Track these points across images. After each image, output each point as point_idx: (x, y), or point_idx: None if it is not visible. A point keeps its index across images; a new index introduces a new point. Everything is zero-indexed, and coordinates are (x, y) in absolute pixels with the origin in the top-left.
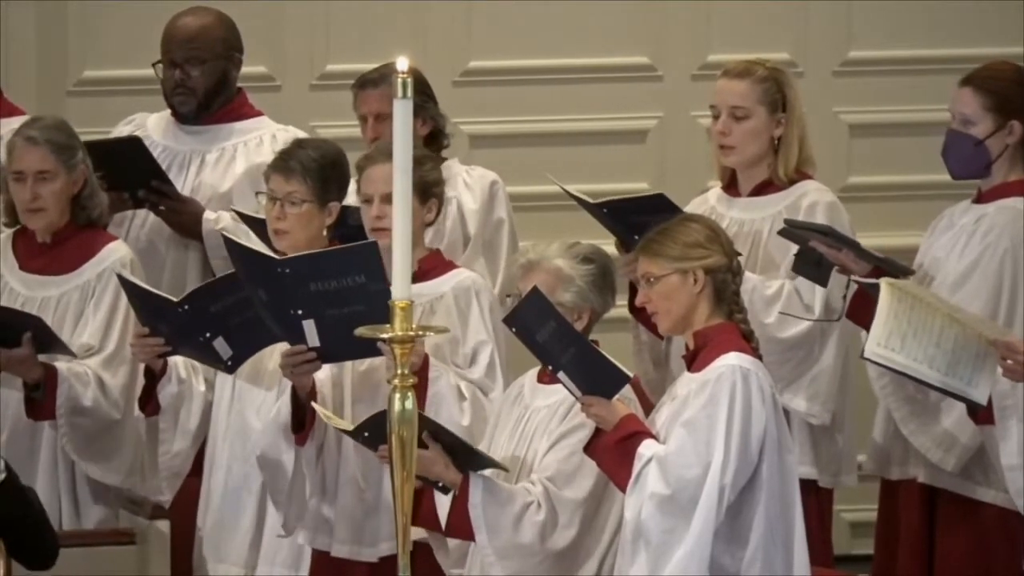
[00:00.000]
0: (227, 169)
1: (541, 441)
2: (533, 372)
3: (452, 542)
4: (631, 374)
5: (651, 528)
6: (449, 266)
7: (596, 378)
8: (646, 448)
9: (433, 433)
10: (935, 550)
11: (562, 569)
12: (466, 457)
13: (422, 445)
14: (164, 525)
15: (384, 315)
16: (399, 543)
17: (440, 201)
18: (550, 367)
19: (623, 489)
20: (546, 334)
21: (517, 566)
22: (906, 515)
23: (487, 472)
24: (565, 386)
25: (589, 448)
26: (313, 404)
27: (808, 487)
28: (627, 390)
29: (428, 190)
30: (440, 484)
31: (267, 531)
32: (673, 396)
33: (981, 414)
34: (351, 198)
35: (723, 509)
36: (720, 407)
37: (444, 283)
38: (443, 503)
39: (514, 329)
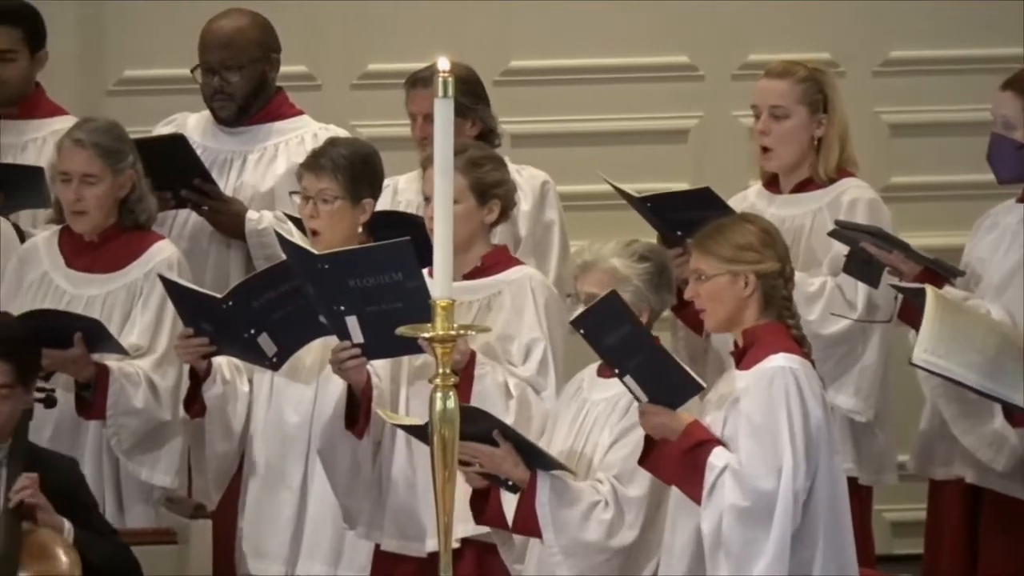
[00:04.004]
0: (268, 169)
1: (601, 434)
2: (593, 366)
3: (516, 537)
4: (703, 383)
5: (732, 539)
6: (512, 262)
7: (665, 386)
8: (716, 458)
9: (503, 431)
10: (979, 551)
11: (627, 568)
12: (533, 457)
13: (492, 443)
14: (206, 524)
15: (422, 312)
16: (441, 542)
17: (504, 201)
18: (616, 371)
19: (695, 499)
20: (616, 338)
21: (583, 565)
22: (948, 515)
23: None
24: (631, 391)
25: (646, 459)
26: (375, 408)
27: (849, 485)
28: None
29: (487, 191)
30: (509, 483)
31: (307, 527)
32: (720, 394)
33: (1018, 416)
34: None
35: (799, 513)
36: (779, 412)
37: (504, 279)
38: (509, 501)
39: (582, 331)
